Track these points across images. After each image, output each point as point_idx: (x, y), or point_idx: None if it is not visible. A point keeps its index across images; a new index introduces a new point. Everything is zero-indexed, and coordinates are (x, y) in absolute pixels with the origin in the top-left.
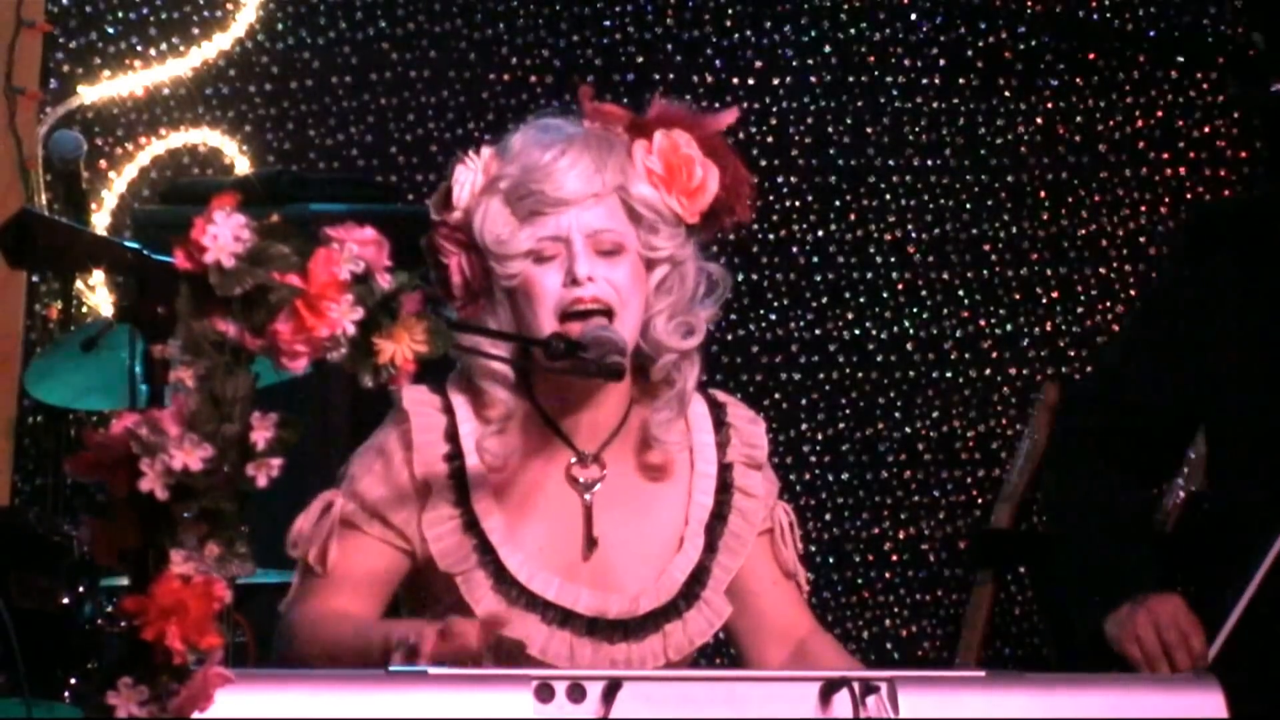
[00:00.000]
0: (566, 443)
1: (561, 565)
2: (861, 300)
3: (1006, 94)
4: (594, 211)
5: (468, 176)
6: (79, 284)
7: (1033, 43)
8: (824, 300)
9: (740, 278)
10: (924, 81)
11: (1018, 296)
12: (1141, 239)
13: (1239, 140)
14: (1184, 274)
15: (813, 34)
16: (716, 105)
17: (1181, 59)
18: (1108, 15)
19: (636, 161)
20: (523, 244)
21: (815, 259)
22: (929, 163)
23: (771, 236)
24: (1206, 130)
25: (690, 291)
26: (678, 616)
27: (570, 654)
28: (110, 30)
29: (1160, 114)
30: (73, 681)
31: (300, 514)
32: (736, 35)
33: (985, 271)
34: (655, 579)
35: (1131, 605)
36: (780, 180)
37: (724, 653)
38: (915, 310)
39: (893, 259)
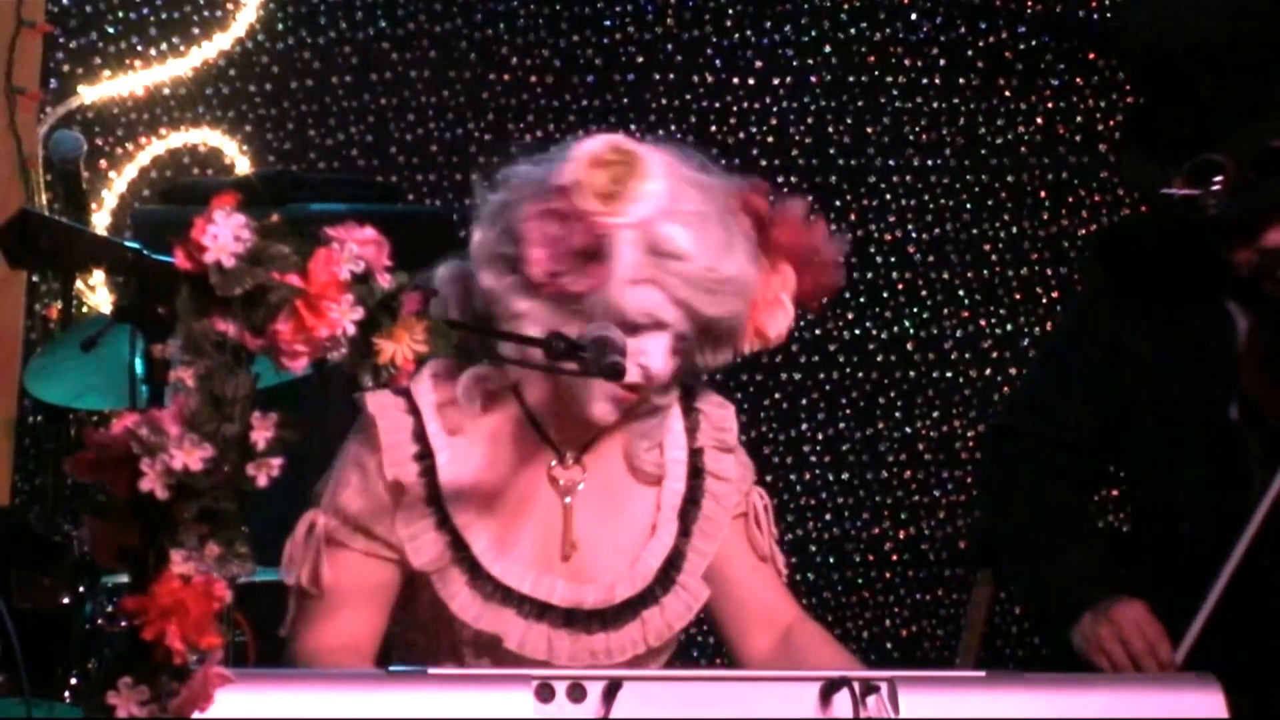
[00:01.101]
0: (550, 444)
1: (538, 560)
2: (861, 300)
3: (1006, 94)
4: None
5: (656, 189)
6: (79, 284)
7: (1033, 43)
8: (824, 300)
9: None
10: (924, 81)
11: (1018, 296)
12: None
13: None
14: (1098, 297)
15: (813, 34)
16: (716, 105)
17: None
18: (1108, 15)
19: (769, 293)
20: (634, 310)
21: None
22: (929, 163)
23: None
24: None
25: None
26: (655, 603)
27: (549, 647)
28: (110, 30)
29: None
30: (73, 681)
31: (288, 538)
32: (736, 35)
33: (985, 271)
34: (629, 567)
35: (1093, 615)
36: (780, 180)
37: (724, 652)
38: (915, 310)
39: (893, 259)
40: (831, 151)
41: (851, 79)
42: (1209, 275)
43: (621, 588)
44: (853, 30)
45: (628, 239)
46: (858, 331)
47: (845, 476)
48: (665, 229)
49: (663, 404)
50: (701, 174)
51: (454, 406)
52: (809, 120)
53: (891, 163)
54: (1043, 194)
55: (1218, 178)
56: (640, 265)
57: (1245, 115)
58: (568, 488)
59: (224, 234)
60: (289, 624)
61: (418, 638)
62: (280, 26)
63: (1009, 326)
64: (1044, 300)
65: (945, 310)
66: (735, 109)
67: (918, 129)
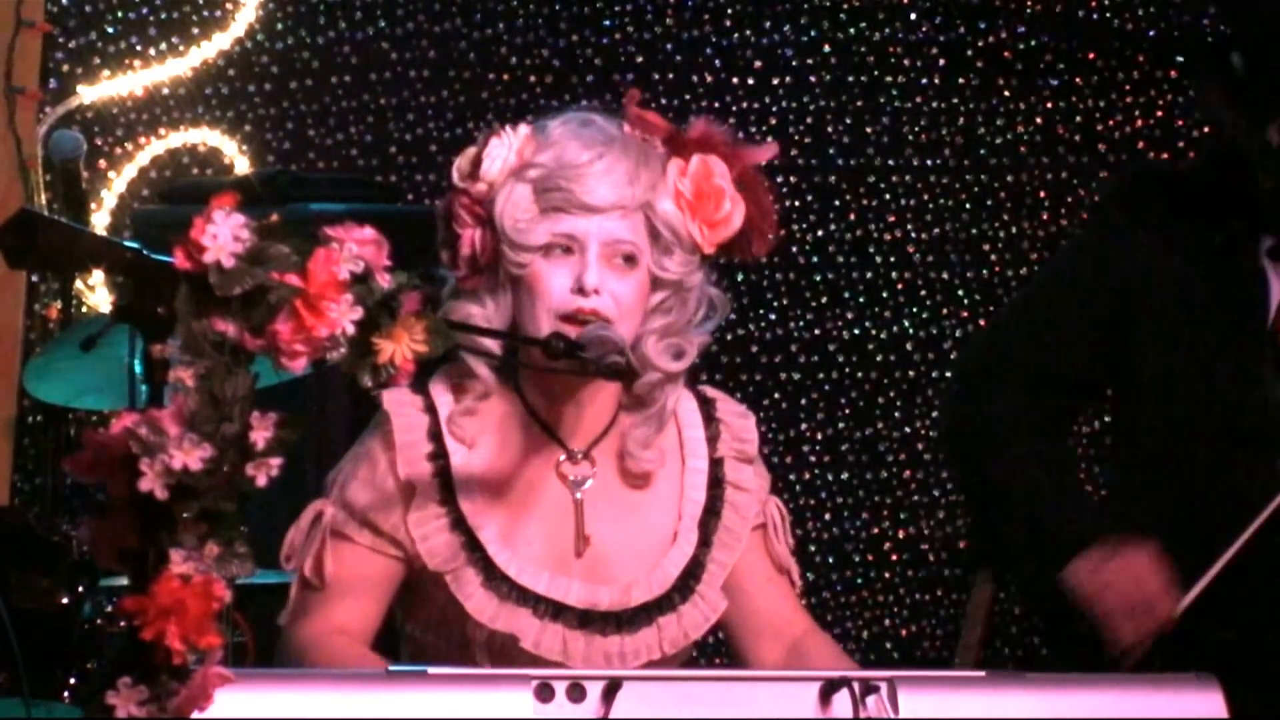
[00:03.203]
0: (556, 440)
1: (553, 560)
2: (861, 300)
3: (1006, 94)
4: (617, 223)
5: (500, 152)
6: (78, 284)
7: (1033, 43)
8: (824, 300)
9: (740, 278)
10: (924, 81)
11: None
12: None
13: None
14: (1109, 239)
15: (813, 34)
16: (716, 105)
17: (1181, 59)
18: (1108, 15)
19: (669, 180)
20: (539, 237)
21: (815, 259)
22: (929, 163)
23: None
24: (1206, 130)
25: (688, 316)
26: (672, 610)
27: (564, 647)
28: (110, 30)
29: (1160, 114)
30: (72, 681)
31: (292, 526)
32: (736, 35)
33: (985, 271)
34: (648, 572)
35: (1102, 552)
36: (780, 180)
37: (724, 652)
38: (915, 310)
39: (893, 259)
40: (831, 151)
41: (851, 79)
42: (1243, 232)
43: (638, 591)
44: (853, 30)
45: (501, 191)
46: (857, 331)
47: (845, 476)
48: (523, 154)
49: (663, 395)
50: (580, 126)
51: (467, 407)
52: (809, 120)
53: (891, 163)
54: (1042, 194)
55: None
56: (519, 199)
57: None
58: (577, 483)
59: (223, 234)
60: (288, 612)
61: (429, 639)
62: (280, 26)
63: None
64: None
65: (945, 310)
66: (735, 109)
67: (918, 129)
